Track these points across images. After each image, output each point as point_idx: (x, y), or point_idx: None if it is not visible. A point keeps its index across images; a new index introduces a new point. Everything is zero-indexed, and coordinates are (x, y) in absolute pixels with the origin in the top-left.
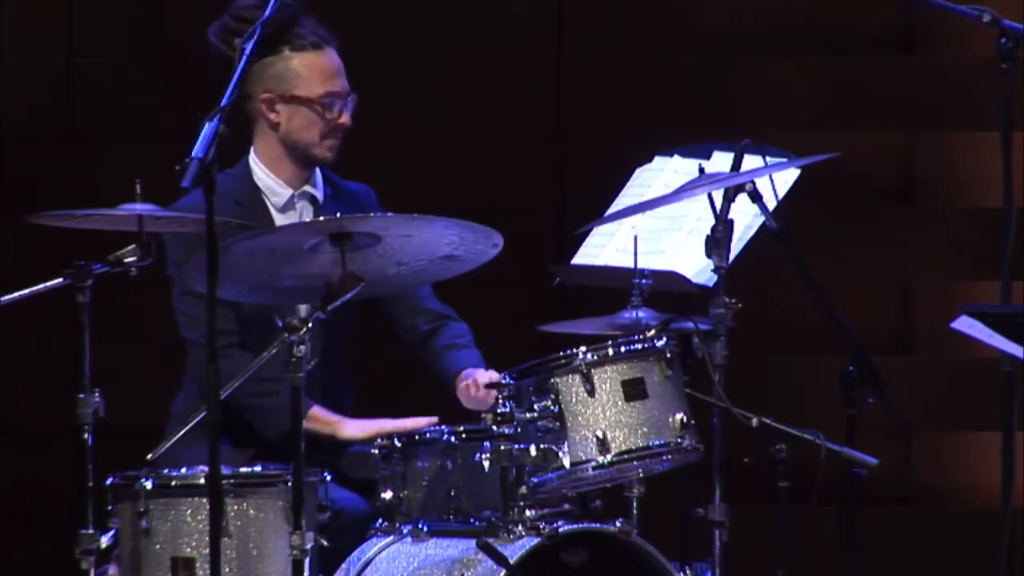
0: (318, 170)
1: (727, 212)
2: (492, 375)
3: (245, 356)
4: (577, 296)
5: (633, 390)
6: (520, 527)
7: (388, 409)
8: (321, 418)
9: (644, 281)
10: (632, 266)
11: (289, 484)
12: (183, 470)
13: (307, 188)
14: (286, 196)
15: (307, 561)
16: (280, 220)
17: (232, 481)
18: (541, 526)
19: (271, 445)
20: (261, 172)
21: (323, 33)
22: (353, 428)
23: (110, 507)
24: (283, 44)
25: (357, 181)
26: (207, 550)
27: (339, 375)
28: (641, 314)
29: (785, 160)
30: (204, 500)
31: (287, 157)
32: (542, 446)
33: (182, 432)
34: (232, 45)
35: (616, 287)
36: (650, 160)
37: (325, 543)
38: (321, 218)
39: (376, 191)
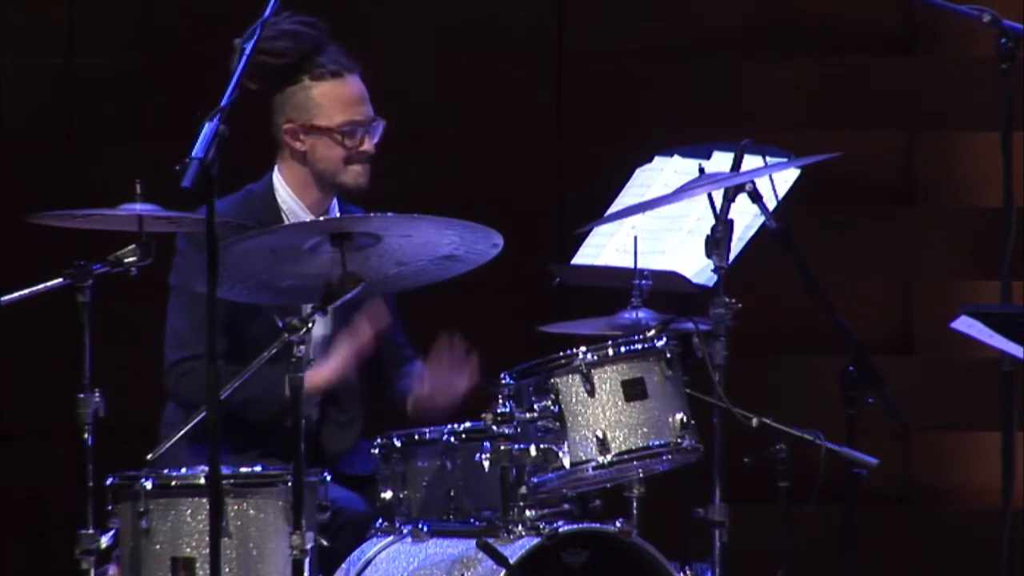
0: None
1: (727, 212)
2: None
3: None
4: (577, 296)
5: (633, 390)
6: (520, 527)
7: (394, 404)
8: None
9: (644, 282)
10: (632, 266)
11: (289, 484)
12: (183, 470)
13: (325, 216)
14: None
15: (307, 561)
16: None
17: (232, 481)
18: (541, 526)
19: (273, 445)
20: (287, 195)
21: (345, 61)
22: (322, 374)
23: (110, 507)
24: (303, 73)
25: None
26: (207, 550)
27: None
28: (641, 314)
29: (785, 160)
30: (204, 500)
31: (314, 185)
32: (542, 446)
33: (182, 432)
34: (256, 78)
35: (616, 287)
36: (650, 160)
37: (325, 543)
38: (321, 218)
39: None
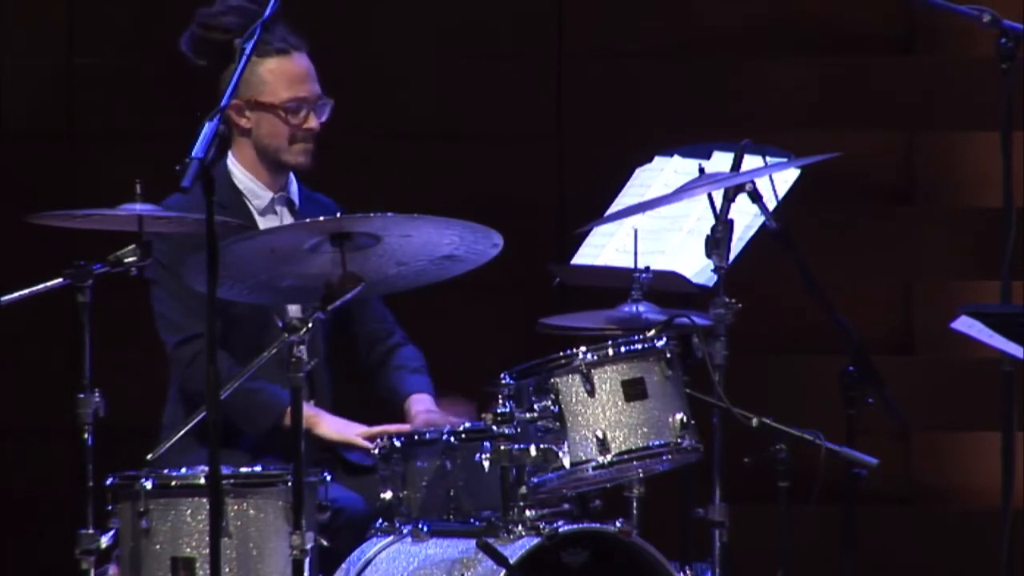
0: (292, 175)
1: (727, 212)
2: (432, 418)
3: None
4: (577, 296)
5: (633, 390)
6: (520, 527)
7: (364, 405)
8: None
9: (644, 275)
10: (632, 266)
11: (289, 484)
12: (183, 470)
13: (283, 192)
14: (267, 199)
15: (307, 561)
16: (262, 222)
17: (232, 481)
18: (541, 526)
19: (251, 446)
20: (242, 175)
21: (292, 39)
22: (328, 427)
23: (110, 507)
24: None
25: (339, 186)
26: (207, 550)
27: (320, 371)
28: (641, 307)
29: (785, 160)
30: (204, 500)
31: (261, 163)
32: (542, 446)
33: (183, 431)
34: (203, 54)
35: (616, 287)
36: (650, 160)
37: (325, 543)
38: (321, 218)
39: (343, 207)
